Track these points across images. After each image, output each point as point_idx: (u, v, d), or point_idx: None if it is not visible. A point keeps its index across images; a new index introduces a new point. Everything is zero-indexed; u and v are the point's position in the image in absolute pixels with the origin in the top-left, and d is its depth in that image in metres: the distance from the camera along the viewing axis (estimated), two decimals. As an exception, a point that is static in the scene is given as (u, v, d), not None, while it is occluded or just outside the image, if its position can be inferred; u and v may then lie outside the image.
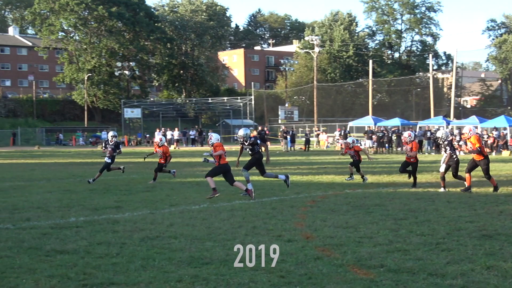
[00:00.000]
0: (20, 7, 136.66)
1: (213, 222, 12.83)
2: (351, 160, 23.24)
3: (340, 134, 63.52)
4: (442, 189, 19.29)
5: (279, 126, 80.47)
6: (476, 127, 55.29)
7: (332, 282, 7.86)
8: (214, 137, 18.15)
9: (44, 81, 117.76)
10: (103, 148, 23.98)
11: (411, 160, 20.67)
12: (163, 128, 76.36)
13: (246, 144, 18.78)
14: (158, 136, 24.76)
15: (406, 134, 21.49)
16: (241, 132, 19.24)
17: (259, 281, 7.95)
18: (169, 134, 71.86)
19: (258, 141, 19.16)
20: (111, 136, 23.61)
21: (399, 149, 51.10)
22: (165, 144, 23.17)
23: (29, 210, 14.80)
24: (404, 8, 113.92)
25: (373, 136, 54.30)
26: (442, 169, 19.44)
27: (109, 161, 22.84)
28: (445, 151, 19.63)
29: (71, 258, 9.30)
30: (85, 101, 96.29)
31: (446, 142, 19.71)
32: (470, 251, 9.78)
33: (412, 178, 20.84)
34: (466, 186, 18.73)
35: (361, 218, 13.40)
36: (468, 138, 18.87)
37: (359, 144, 24.99)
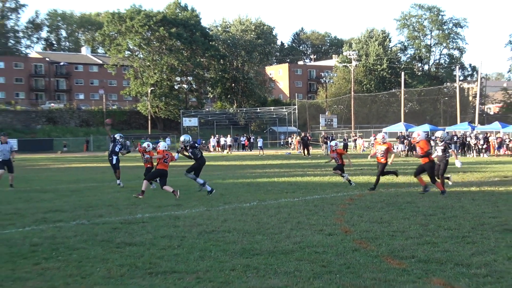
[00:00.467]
0: (92, 29, 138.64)
1: (262, 218, 12.88)
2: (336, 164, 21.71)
3: (374, 139, 63.13)
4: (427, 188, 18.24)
5: (320, 132, 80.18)
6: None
7: (368, 271, 7.88)
8: (161, 145, 18.21)
9: (113, 94, 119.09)
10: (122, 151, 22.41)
11: (381, 160, 19.28)
12: (217, 135, 76.72)
13: (188, 149, 18.60)
14: (146, 142, 22.75)
15: (379, 136, 20.17)
16: (181, 138, 19.16)
17: (303, 270, 8.00)
18: (222, 140, 72.20)
19: (195, 147, 18.71)
20: (119, 136, 22.76)
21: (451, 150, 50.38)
22: (151, 150, 21.47)
23: (101, 208, 15.04)
24: (433, 25, 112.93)
25: (405, 141, 53.75)
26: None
27: (114, 161, 21.87)
28: (442, 149, 18.94)
29: (138, 250, 9.47)
30: (148, 111, 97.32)
31: (443, 143, 19.13)
32: (493, 244, 9.71)
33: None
34: (423, 187, 17.74)
35: (394, 214, 13.34)
36: (417, 143, 18.33)
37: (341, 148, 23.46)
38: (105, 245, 9.93)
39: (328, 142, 49.65)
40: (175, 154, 19.86)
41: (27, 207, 15.34)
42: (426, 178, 18.13)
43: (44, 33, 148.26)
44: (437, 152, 19.12)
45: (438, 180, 17.97)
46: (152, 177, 18.03)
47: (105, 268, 8.23)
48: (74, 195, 18.70)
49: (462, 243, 9.77)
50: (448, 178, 19.53)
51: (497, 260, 8.52)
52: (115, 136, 22.71)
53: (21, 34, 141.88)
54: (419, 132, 19.52)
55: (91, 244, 10.04)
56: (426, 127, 63.18)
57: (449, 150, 18.94)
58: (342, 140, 65.21)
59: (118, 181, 21.88)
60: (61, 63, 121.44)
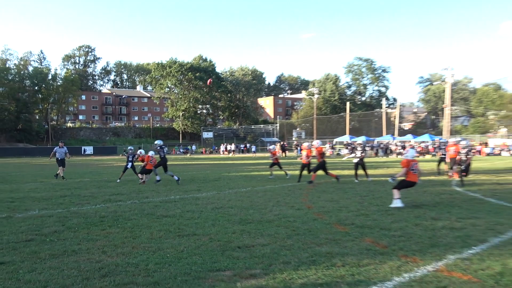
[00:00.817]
0: (143, 74, 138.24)
1: (253, 198, 12.85)
2: (271, 162, 21.18)
3: (330, 146, 63.06)
4: (356, 180, 18.09)
5: (293, 141, 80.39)
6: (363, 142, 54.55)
7: (323, 234, 7.89)
8: (150, 153, 18.64)
9: (157, 116, 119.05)
10: (124, 155, 21.14)
11: (304, 162, 18.34)
12: (225, 143, 76.69)
13: (158, 150, 18.16)
14: (139, 150, 20.65)
15: (305, 144, 19.21)
16: (156, 142, 18.72)
17: (280, 233, 8.02)
18: (228, 147, 72.30)
19: (161, 150, 18.14)
20: (129, 149, 21.43)
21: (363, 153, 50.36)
22: (143, 155, 19.61)
23: (147, 192, 14.99)
24: (368, 71, 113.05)
25: (349, 147, 53.88)
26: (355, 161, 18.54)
27: (129, 166, 20.60)
28: (361, 153, 18.87)
29: (171, 220, 9.44)
30: (180, 128, 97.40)
31: (362, 148, 19.16)
32: (405, 215, 9.73)
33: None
34: (311, 180, 17.31)
35: (340, 195, 13.34)
36: (316, 148, 18.08)
37: (276, 150, 22.43)
38: (149, 217, 9.90)
39: (270, 145, 49.49)
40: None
41: (98, 192, 15.30)
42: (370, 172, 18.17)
43: (112, 76, 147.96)
44: (357, 154, 19.09)
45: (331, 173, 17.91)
46: (143, 172, 18.09)
47: (149, 232, 8.22)
48: (129, 183, 18.62)
49: (385, 215, 9.80)
50: (357, 175, 18.62)
51: (408, 226, 8.57)
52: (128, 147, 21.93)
53: (97, 77, 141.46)
54: (317, 141, 19.42)
55: (140, 216, 10.01)
56: (363, 138, 63.33)
57: (361, 153, 18.88)
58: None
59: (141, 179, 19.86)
60: (123, 96, 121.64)
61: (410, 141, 57.10)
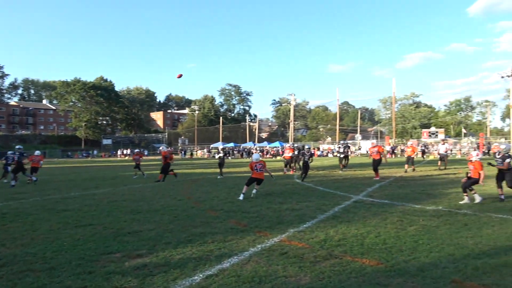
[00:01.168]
0: (49, 90, 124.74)
1: (144, 193, 12.22)
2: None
3: (207, 151, 63.13)
4: (220, 176, 17.77)
5: (179, 147, 78.94)
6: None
7: (199, 218, 7.76)
8: (36, 152, 17.05)
9: (62, 126, 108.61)
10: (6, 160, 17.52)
11: (164, 163, 16.36)
12: (122, 149, 72.53)
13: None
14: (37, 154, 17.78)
15: (161, 147, 17.86)
16: (17, 147, 17.43)
17: (164, 219, 7.73)
18: (125, 151, 68.49)
19: (23, 155, 16.74)
20: (9, 153, 17.46)
21: (231, 157, 51.13)
22: (39, 156, 17.32)
23: (49, 190, 13.45)
24: (236, 94, 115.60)
25: (221, 151, 54.34)
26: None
27: (9, 168, 16.53)
28: (222, 154, 19.14)
29: (70, 213, 8.56)
30: (82, 136, 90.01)
31: (223, 151, 19.49)
32: (260, 201, 9.88)
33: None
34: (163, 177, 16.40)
35: (213, 187, 13.30)
36: (162, 152, 17.20)
37: (167, 151, 21.19)
38: (50, 211, 8.87)
39: (160, 147, 48.71)
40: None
41: (1, 192, 13.33)
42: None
43: (20, 91, 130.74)
44: (220, 154, 19.24)
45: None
46: (30, 172, 16.39)
47: (49, 225, 7.36)
48: (31, 184, 16.56)
49: (246, 201, 9.86)
50: (221, 174, 18.27)
51: (262, 209, 8.77)
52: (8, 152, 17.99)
53: (4, 91, 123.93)
54: (163, 146, 19.27)
55: (41, 211, 8.92)
56: (232, 144, 64.55)
57: (222, 154, 19.20)
58: (189, 151, 64.53)
59: (12, 182, 15.57)
60: (30, 108, 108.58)
61: (266, 146, 59.57)
